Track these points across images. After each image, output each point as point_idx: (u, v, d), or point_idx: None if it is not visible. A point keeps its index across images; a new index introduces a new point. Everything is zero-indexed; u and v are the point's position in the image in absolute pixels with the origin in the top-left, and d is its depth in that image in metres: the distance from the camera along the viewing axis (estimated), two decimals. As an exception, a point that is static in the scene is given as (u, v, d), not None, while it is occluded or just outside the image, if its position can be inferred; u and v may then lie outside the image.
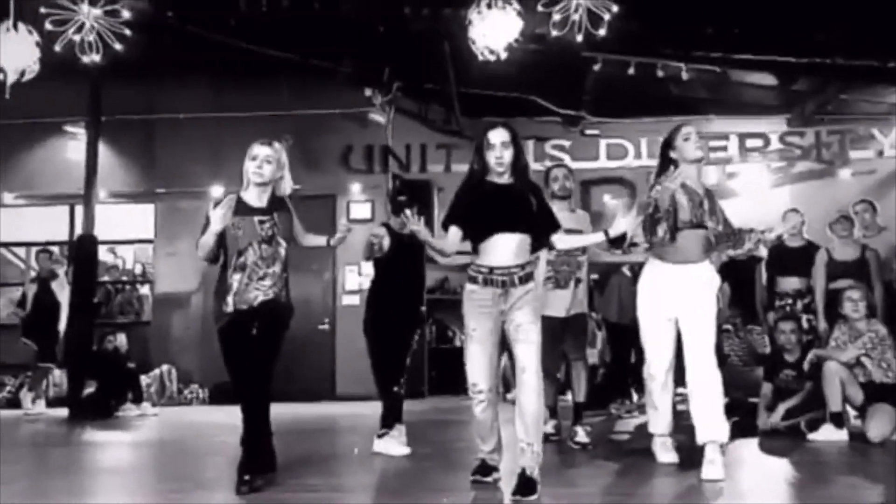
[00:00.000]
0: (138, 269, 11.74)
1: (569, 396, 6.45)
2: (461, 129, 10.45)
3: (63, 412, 8.93)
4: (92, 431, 7.62)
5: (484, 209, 3.98)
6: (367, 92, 10.39)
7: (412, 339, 5.53)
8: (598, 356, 9.59)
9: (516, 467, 3.81)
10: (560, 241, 4.24)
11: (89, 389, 8.96)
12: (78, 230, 9.79)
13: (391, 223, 5.51)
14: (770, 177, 10.58)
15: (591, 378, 9.36)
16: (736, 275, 7.87)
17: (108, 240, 10.79)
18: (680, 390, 5.17)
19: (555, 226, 4.16)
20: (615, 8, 6.38)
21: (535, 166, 10.20)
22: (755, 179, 10.46)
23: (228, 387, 4.46)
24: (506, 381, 9.77)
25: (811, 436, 5.64)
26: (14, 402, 9.77)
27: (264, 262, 4.20)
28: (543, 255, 5.17)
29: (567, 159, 10.51)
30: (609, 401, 8.09)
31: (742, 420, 6.26)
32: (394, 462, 5.09)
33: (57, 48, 6.66)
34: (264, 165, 4.26)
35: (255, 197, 4.29)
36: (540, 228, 4.08)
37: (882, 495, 3.91)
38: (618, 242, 5.84)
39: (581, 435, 5.45)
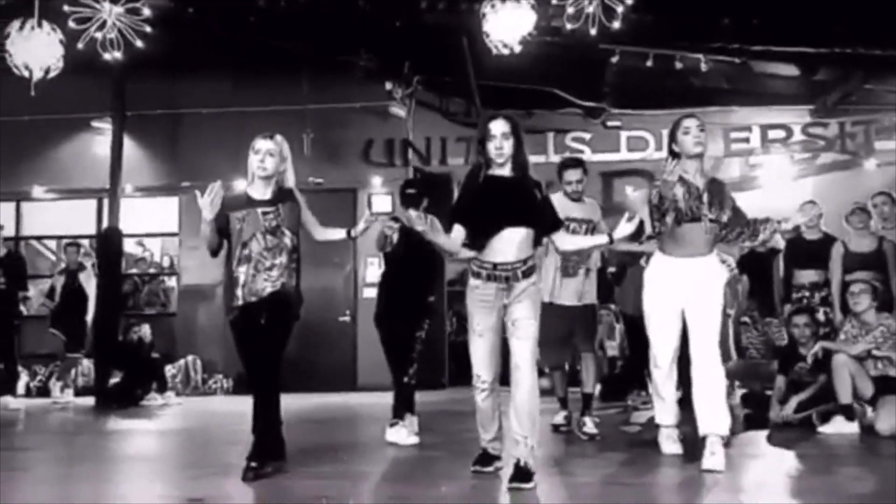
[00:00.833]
0: (166, 262, 11.95)
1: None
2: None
3: (90, 401, 9.15)
4: (117, 420, 7.80)
5: (489, 205, 3.99)
6: (388, 86, 10.42)
7: (420, 331, 5.58)
8: (619, 349, 9.61)
9: (513, 458, 3.88)
10: (564, 242, 4.28)
11: (115, 379, 9.16)
12: (105, 224, 10.00)
13: (399, 215, 5.58)
14: (793, 168, 10.46)
15: (610, 369, 9.44)
16: (754, 267, 7.87)
17: (134, 233, 11.03)
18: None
19: (557, 223, 4.19)
20: (629, 0, 6.39)
21: (554, 159, 10.31)
22: (778, 171, 10.35)
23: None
24: None
25: (821, 428, 5.63)
26: (43, 391, 10.02)
27: (270, 253, 4.26)
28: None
29: (587, 151, 10.53)
30: (626, 392, 8.11)
31: (755, 412, 6.28)
32: (403, 451, 5.18)
33: (80, 46, 6.81)
34: (267, 159, 4.32)
35: (259, 190, 4.36)
36: (543, 223, 4.11)
37: (878, 484, 3.92)
38: (635, 235, 5.88)
39: (589, 426, 5.49)
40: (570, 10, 6.53)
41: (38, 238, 11.76)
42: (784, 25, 8.14)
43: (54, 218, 11.45)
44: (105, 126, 10.41)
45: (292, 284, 4.34)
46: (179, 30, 8.43)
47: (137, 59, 7.74)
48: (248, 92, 10.50)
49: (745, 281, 8.00)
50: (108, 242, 9.73)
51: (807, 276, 7.16)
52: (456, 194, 4.25)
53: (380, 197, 10.62)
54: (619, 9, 6.41)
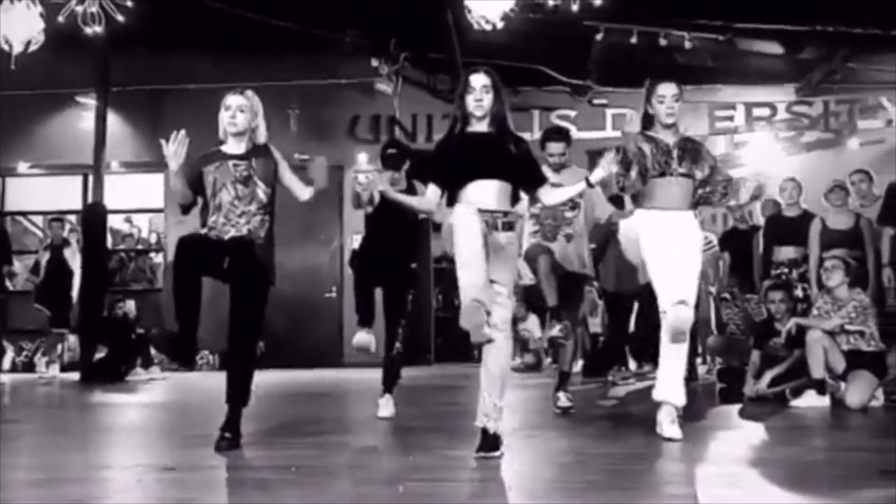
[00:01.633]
0: (153, 238, 11.96)
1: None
2: (467, 98, 10.45)
3: (75, 376, 9.21)
4: (101, 394, 7.85)
5: (461, 160, 3.93)
6: (374, 62, 10.43)
7: (406, 299, 5.40)
8: (601, 325, 9.67)
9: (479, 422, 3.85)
10: (546, 196, 4.19)
11: (100, 354, 9.20)
12: (90, 199, 10.00)
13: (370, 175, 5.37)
14: (778, 146, 10.50)
15: (592, 346, 9.50)
16: (735, 244, 7.93)
17: (120, 209, 11.03)
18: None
19: (541, 179, 4.14)
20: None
21: (539, 136, 10.29)
22: (763, 149, 10.39)
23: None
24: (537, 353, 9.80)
25: (793, 402, 5.71)
26: (29, 366, 10.07)
27: (241, 202, 4.17)
28: (523, 207, 5.06)
29: (573, 129, 10.51)
30: (607, 369, 8.18)
31: (730, 386, 6.36)
32: (382, 424, 5.23)
33: (60, 19, 6.80)
34: (237, 114, 4.25)
35: (233, 147, 4.29)
36: (521, 178, 4.03)
37: (840, 453, 3.99)
38: (617, 203, 5.81)
39: (563, 400, 5.53)
40: (552, -15, 6.54)
41: (24, 213, 11.77)
42: (768, 2, 8.15)
43: (40, 193, 11.44)
44: (90, 101, 10.36)
45: (259, 235, 4.20)
46: (164, 4, 8.41)
47: (122, 34, 7.73)
48: (233, 67, 10.41)
49: (726, 257, 8.07)
50: (93, 218, 9.73)
51: (786, 252, 7.19)
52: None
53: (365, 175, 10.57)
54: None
